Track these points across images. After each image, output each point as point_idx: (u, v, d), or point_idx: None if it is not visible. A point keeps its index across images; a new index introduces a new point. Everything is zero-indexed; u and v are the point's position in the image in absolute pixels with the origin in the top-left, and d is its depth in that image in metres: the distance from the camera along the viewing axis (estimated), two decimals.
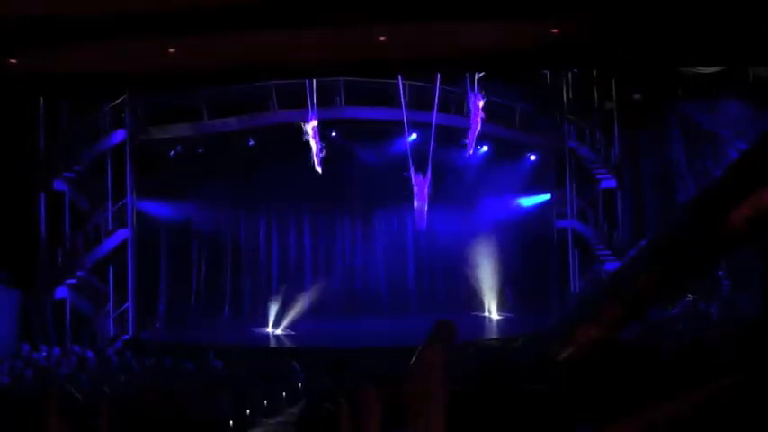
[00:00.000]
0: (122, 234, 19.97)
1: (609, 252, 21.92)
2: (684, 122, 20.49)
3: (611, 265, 21.52)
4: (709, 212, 1.65)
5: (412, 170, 18.85)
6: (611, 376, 2.04)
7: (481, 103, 18.88)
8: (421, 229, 19.76)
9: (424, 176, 18.77)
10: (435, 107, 18.53)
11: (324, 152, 18.67)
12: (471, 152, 19.86)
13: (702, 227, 1.65)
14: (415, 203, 19.02)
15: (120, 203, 20.07)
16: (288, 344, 18.88)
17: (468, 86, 19.10)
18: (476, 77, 18.98)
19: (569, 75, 22.64)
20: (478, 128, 19.08)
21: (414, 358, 3.19)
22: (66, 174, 19.52)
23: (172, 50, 11.48)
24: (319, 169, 18.84)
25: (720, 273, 19.18)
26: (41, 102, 19.15)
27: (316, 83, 18.29)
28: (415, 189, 18.91)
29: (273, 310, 20.66)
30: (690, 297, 18.40)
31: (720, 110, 19.49)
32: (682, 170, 20.75)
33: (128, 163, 20.07)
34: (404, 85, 18.84)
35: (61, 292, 19.12)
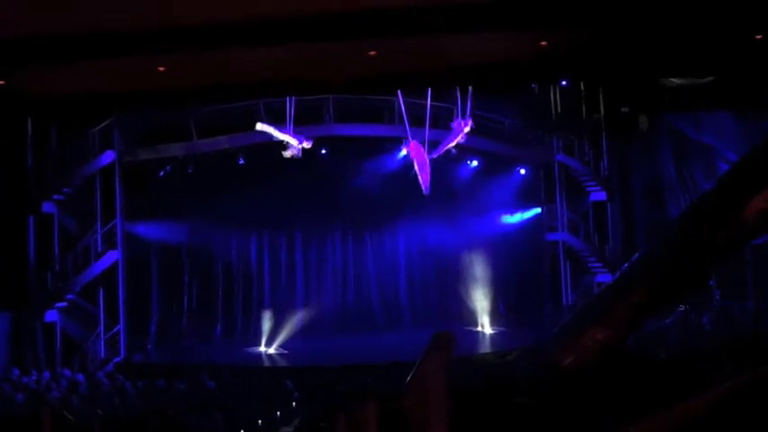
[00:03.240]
0: (112, 256, 19.83)
1: (600, 264, 21.97)
2: (673, 134, 20.61)
3: (604, 277, 21.56)
4: (723, 207, 1.63)
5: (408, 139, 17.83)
6: (617, 381, 2.01)
7: (467, 129, 18.43)
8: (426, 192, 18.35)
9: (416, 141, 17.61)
10: (427, 124, 18.40)
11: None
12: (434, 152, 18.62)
13: (716, 222, 1.64)
14: (415, 167, 17.78)
15: (110, 225, 19.94)
16: (281, 363, 18.76)
17: (459, 110, 18.74)
18: (468, 104, 18.69)
19: (557, 88, 22.77)
20: (452, 143, 18.58)
21: (413, 370, 3.15)
22: (55, 196, 19.40)
23: (161, 69, 11.47)
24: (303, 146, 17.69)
25: (711, 282, 19.22)
26: (30, 124, 19.08)
27: (296, 103, 17.90)
28: (415, 161, 17.79)
29: (266, 329, 20.54)
30: (681, 308, 18.43)
31: (709, 121, 19.62)
32: (671, 182, 20.85)
33: (117, 184, 19.98)
34: (397, 101, 18.80)
35: (51, 315, 18.94)
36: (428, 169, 18.05)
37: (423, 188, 18.24)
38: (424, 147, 17.96)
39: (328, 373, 15.68)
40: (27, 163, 19.18)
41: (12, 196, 18.76)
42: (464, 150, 19.95)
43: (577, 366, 2.10)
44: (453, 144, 18.51)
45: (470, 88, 18.37)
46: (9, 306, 18.31)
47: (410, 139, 17.98)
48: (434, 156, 18.56)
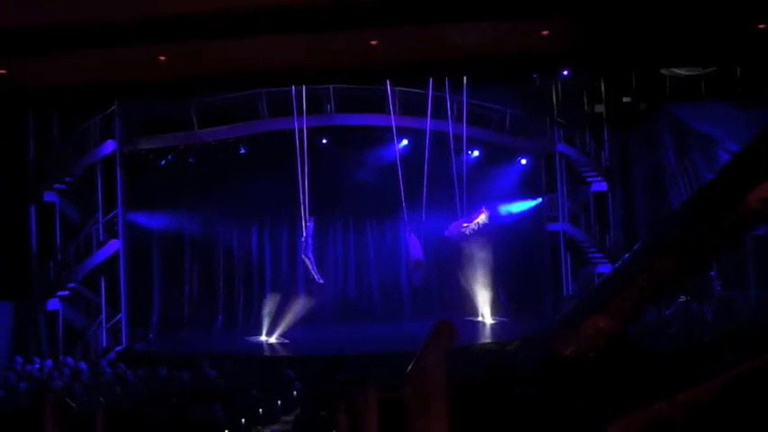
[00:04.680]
0: (114, 245, 19.86)
1: (601, 255, 21.98)
2: (675, 124, 20.58)
3: (604, 267, 21.58)
4: (724, 197, 1.64)
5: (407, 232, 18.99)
6: (618, 372, 2.01)
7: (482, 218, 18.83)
8: (416, 284, 19.50)
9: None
10: (429, 114, 18.56)
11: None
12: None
13: (718, 212, 1.65)
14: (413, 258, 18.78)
15: (112, 214, 19.97)
16: (282, 352, 18.81)
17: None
18: (464, 98, 18.95)
19: (558, 78, 22.72)
20: (467, 225, 19.05)
21: (414, 359, 3.17)
22: (56, 185, 19.43)
23: (162, 58, 11.46)
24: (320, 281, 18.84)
25: (712, 273, 19.25)
26: (31, 114, 19.09)
27: (297, 93, 18.12)
28: (410, 248, 18.82)
29: (267, 319, 20.58)
30: (682, 299, 18.45)
31: (711, 111, 19.58)
32: (673, 172, 20.83)
33: (118, 173, 19.99)
34: (393, 91, 18.87)
35: (53, 304, 19.01)
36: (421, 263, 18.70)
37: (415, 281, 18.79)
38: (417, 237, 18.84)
39: (329, 363, 15.73)
40: (28, 152, 19.20)
41: (13, 185, 18.80)
42: (463, 140, 19.94)
43: (579, 356, 2.12)
44: (470, 226, 18.85)
45: (464, 81, 18.47)
46: (12, 295, 18.38)
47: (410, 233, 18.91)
48: (448, 233, 19.05)
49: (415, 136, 20.19)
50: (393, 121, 18.72)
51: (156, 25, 9.80)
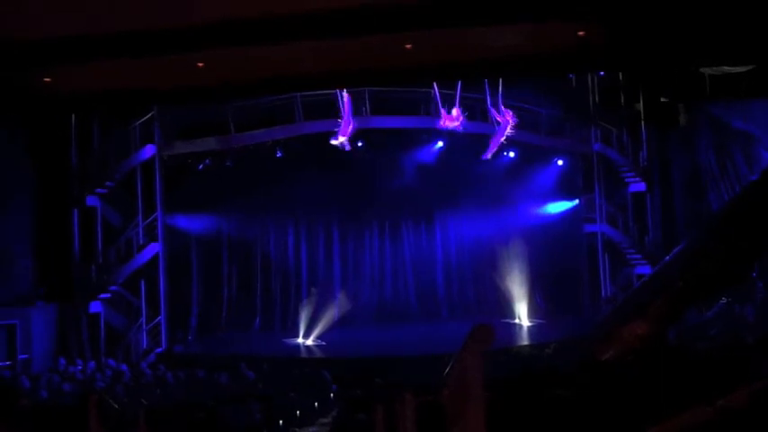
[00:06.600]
0: (154, 248, 20.17)
1: (639, 256, 21.69)
2: (713, 123, 20.24)
3: (643, 269, 21.29)
4: (758, 213, 1.64)
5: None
6: (656, 374, 2.02)
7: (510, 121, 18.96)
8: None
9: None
10: (456, 116, 18.66)
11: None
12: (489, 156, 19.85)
13: (752, 226, 1.65)
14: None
15: (152, 218, 20.29)
16: (318, 354, 18.92)
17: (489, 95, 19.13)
18: (498, 97, 19.07)
19: (595, 78, 22.52)
20: (502, 138, 19.02)
21: (452, 362, 3.19)
22: (98, 189, 19.80)
23: (200, 65, 11.64)
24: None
25: (754, 274, 18.89)
26: (74, 120, 19.50)
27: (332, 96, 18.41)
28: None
29: (304, 321, 20.73)
30: (724, 300, 18.15)
31: (750, 110, 19.23)
32: (711, 171, 20.49)
33: (157, 177, 20.29)
34: (432, 93, 18.95)
35: (95, 306, 19.36)
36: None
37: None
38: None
39: (365, 365, 15.77)
40: (71, 158, 19.61)
41: (57, 190, 19.22)
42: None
43: (616, 361, 2.13)
44: (503, 138, 18.89)
45: (500, 82, 18.49)
46: (55, 297, 18.78)
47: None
48: (488, 156, 19.13)
49: (451, 138, 20.19)
50: (436, 123, 18.82)
51: (194, 33, 9.96)
